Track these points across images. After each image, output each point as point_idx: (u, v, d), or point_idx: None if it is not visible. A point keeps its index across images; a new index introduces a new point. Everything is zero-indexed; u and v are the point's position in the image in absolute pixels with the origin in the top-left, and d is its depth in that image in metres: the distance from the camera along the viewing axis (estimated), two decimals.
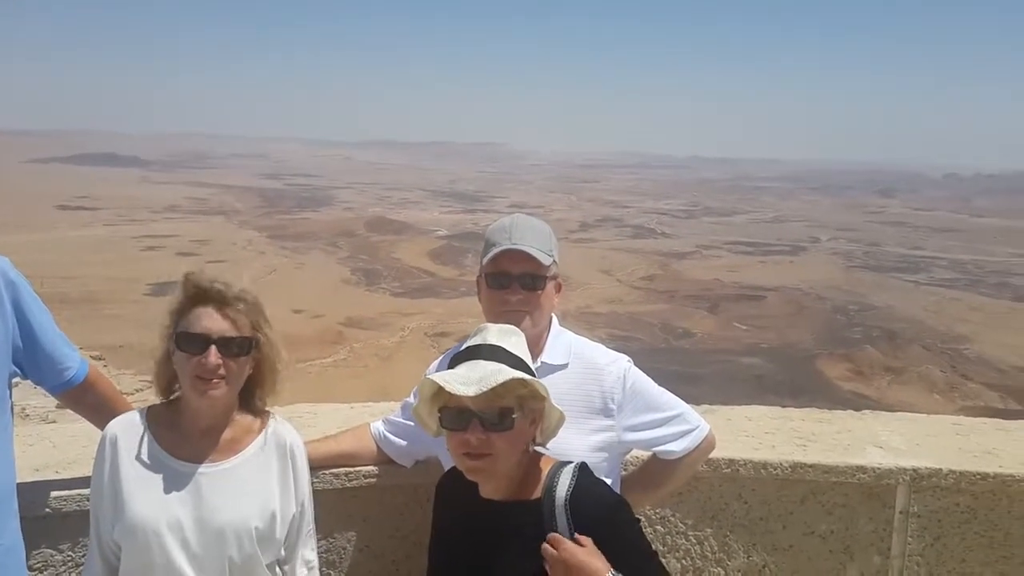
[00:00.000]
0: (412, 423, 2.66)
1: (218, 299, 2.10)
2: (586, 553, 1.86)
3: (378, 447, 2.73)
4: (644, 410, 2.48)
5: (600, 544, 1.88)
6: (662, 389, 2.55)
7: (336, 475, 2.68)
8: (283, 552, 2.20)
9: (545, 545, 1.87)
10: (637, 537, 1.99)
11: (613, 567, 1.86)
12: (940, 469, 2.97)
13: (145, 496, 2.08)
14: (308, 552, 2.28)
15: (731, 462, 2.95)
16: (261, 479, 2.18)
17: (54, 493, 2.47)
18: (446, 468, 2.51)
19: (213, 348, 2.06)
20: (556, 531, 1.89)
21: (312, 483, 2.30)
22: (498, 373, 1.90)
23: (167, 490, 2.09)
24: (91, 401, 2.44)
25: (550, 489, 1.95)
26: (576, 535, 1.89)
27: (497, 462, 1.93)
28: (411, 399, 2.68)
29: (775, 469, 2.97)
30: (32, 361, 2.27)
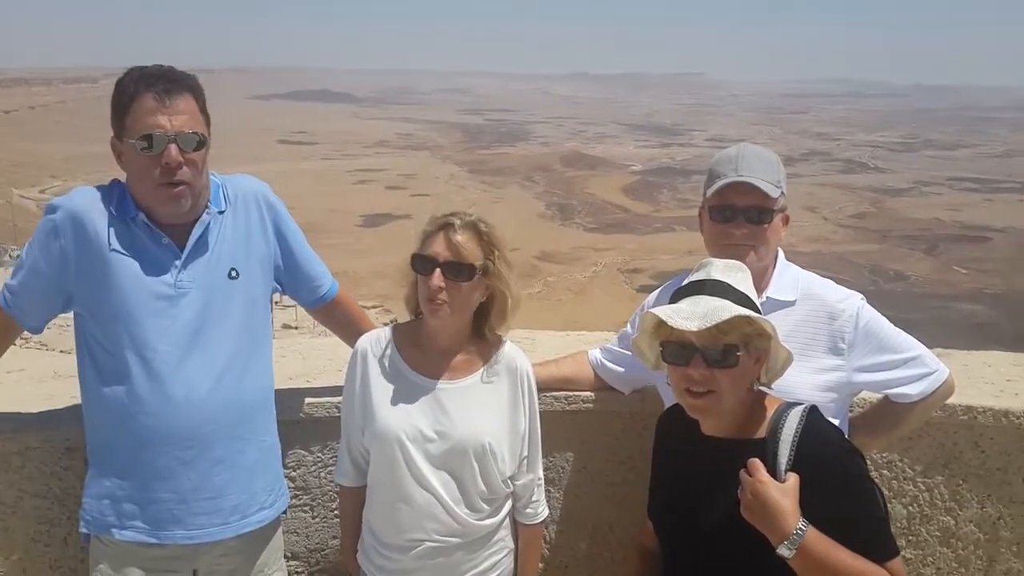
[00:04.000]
0: (629, 352, 2.70)
1: (451, 227, 2.21)
2: (779, 490, 1.77)
3: (596, 373, 2.79)
4: (878, 351, 2.37)
5: (820, 492, 1.79)
6: (898, 329, 2.42)
7: (556, 398, 2.77)
8: (514, 468, 2.32)
9: (743, 471, 1.82)
10: (866, 495, 1.84)
11: (826, 518, 1.76)
12: None
13: (391, 406, 2.25)
14: (536, 468, 2.39)
15: (968, 408, 2.78)
16: (493, 398, 2.30)
17: (307, 400, 2.71)
18: (663, 398, 2.54)
19: (438, 271, 2.18)
20: (777, 472, 1.83)
21: None
22: (722, 309, 1.85)
23: (410, 402, 2.25)
24: (340, 317, 2.66)
25: (776, 429, 1.88)
26: (787, 472, 1.81)
27: (720, 400, 1.89)
28: (628, 329, 2.71)
29: (1018, 418, 2.77)
30: (292, 279, 2.50)
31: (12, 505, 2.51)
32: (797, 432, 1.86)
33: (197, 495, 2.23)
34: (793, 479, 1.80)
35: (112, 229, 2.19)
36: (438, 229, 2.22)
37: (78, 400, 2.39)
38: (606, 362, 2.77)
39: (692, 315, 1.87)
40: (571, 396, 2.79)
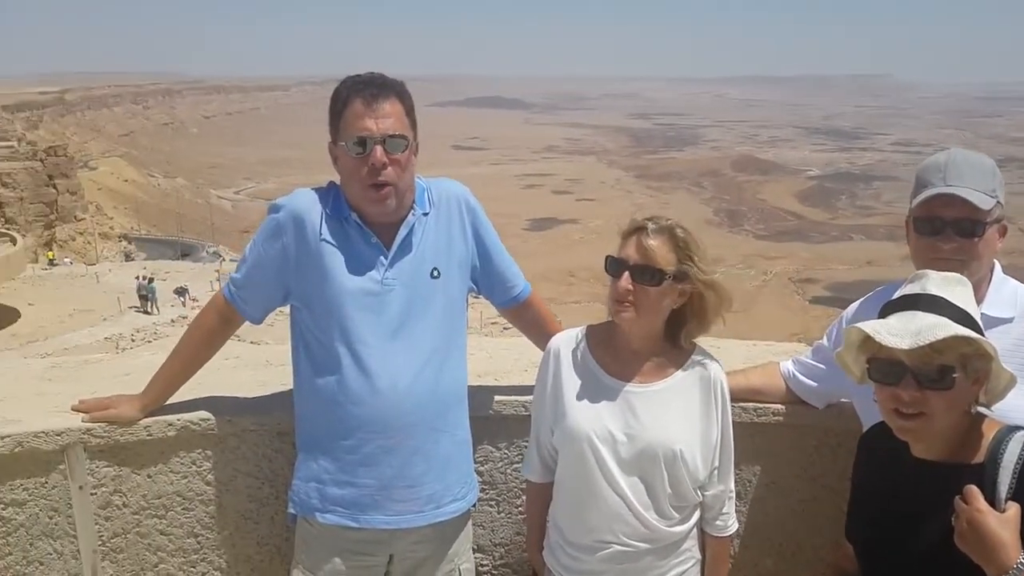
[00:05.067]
0: (823, 366, 2.59)
1: (644, 231, 2.20)
2: (999, 521, 1.64)
3: (787, 386, 2.70)
4: None
5: None
6: None
7: (745, 408, 2.70)
8: (704, 477, 2.28)
9: (958, 498, 1.70)
10: None
11: None
12: None
13: (581, 406, 2.27)
14: (728, 480, 2.35)
15: None
16: (685, 405, 2.27)
17: (496, 397, 2.77)
18: (861, 415, 2.42)
19: (626, 274, 2.18)
20: (996, 500, 1.70)
21: None
22: (937, 327, 1.73)
23: (600, 403, 2.26)
24: (530, 318, 2.71)
25: (995, 454, 1.74)
26: (1007, 502, 1.68)
27: (931, 422, 1.77)
28: (824, 341, 2.61)
29: None
30: (487, 279, 2.57)
31: (227, 483, 2.69)
32: (1021, 459, 1.72)
33: (396, 483, 2.33)
34: (1014, 509, 1.68)
35: (327, 228, 2.33)
36: (632, 232, 2.23)
37: (289, 387, 2.56)
38: (799, 375, 2.67)
39: (904, 332, 1.75)
40: (760, 408, 2.72)
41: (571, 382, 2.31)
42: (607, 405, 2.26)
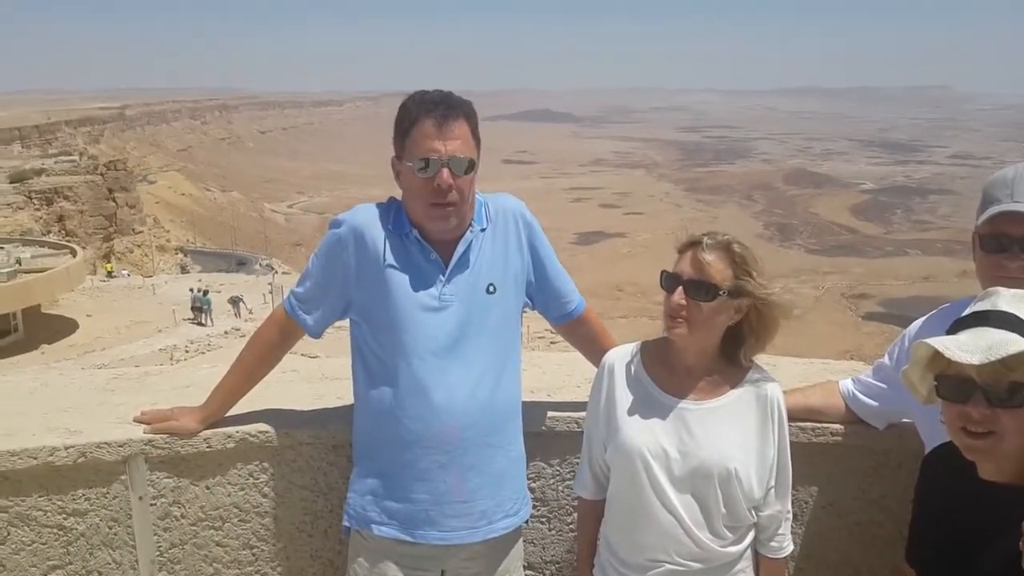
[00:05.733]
0: (885, 385, 2.54)
1: (699, 245, 2.18)
2: None
3: (847, 405, 2.65)
4: None
5: None
6: None
7: (802, 428, 2.65)
8: (760, 497, 2.25)
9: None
10: None
11: None
12: None
13: (634, 422, 2.25)
14: (784, 500, 2.31)
15: None
16: (741, 424, 2.24)
17: (549, 413, 2.75)
18: (923, 436, 2.36)
19: (680, 289, 2.16)
20: None
21: None
22: (1009, 343, 1.68)
23: (654, 419, 2.23)
24: (584, 333, 2.70)
25: None
26: None
27: (1001, 442, 1.72)
28: (886, 360, 2.55)
29: None
30: (542, 294, 2.57)
31: (283, 495, 2.71)
32: None
33: (450, 498, 2.34)
34: None
35: (388, 243, 2.36)
36: (688, 247, 2.21)
37: (344, 401, 2.57)
38: (859, 394, 2.62)
39: (974, 348, 1.71)
40: (818, 428, 2.67)
41: (625, 398, 2.30)
42: (661, 422, 2.24)
